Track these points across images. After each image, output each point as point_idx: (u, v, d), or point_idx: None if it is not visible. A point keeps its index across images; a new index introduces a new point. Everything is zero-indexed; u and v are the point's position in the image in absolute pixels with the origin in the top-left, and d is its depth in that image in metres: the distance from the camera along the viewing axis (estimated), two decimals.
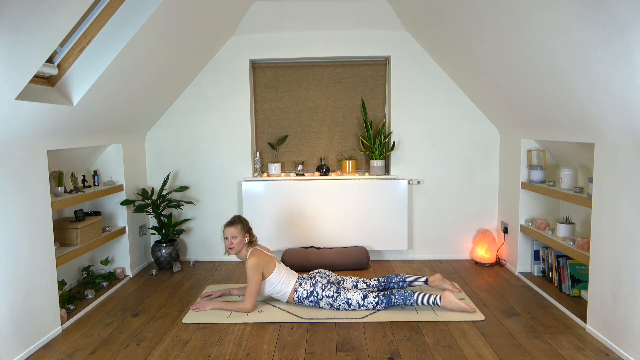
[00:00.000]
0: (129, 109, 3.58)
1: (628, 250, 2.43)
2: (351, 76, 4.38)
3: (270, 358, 2.53)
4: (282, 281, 3.12)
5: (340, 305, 3.06)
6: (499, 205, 4.29)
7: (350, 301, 3.05)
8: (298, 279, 3.17)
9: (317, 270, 3.31)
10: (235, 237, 3.11)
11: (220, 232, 4.15)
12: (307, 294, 3.10)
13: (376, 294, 3.08)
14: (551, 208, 3.82)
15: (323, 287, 3.09)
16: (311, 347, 2.64)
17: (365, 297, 3.06)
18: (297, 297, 3.12)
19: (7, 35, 1.96)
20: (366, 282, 3.28)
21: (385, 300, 3.04)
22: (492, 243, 4.12)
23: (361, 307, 3.06)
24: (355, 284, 3.27)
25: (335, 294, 3.06)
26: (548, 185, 3.45)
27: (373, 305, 3.05)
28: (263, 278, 3.10)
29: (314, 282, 3.11)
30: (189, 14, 3.19)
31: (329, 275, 3.26)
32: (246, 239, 3.15)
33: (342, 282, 3.29)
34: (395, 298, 3.03)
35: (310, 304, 3.12)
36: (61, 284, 3.19)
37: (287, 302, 3.19)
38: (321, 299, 3.08)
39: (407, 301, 3.03)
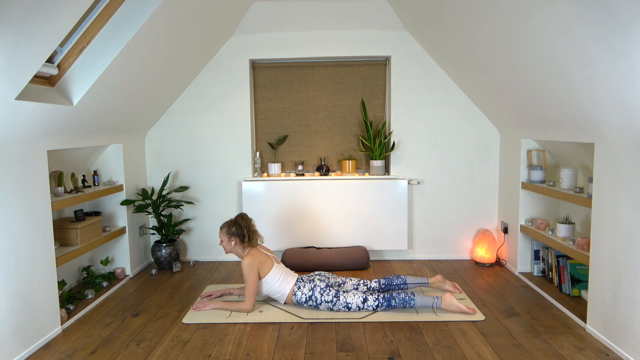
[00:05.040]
0: (129, 109, 3.58)
1: (628, 250, 2.43)
2: (351, 76, 4.38)
3: (270, 358, 2.53)
4: (280, 281, 3.11)
5: (340, 309, 3.06)
6: (499, 205, 4.29)
7: (349, 305, 3.04)
8: (297, 281, 3.15)
9: (316, 273, 3.28)
10: (222, 240, 3.19)
11: None
12: (306, 298, 3.08)
13: (376, 296, 3.05)
14: (551, 208, 3.82)
15: (322, 291, 3.06)
16: (311, 347, 2.64)
17: (365, 300, 3.04)
18: (296, 300, 3.11)
19: (7, 35, 1.96)
20: (366, 285, 3.26)
21: (385, 304, 3.03)
22: (492, 243, 4.12)
23: (361, 310, 3.06)
24: (355, 287, 3.25)
25: (335, 298, 3.04)
26: (548, 185, 3.45)
27: (373, 308, 3.05)
28: (260, 278, 3.09)
29: (312, 286, 3.09)
30: (189, 14, 3.19)
31: (328, 278, 3.23)
32: (232, 242, 3.14)
33: (342, 285, 3.26)
34: (396, 302, 3.01)
35: (309, 307, 3.12)
36: (61, 284, 3.19)
37: (285, 303, 3.18)
38: (320, 304, 3.06)
39: (408, 305, 3.03)
